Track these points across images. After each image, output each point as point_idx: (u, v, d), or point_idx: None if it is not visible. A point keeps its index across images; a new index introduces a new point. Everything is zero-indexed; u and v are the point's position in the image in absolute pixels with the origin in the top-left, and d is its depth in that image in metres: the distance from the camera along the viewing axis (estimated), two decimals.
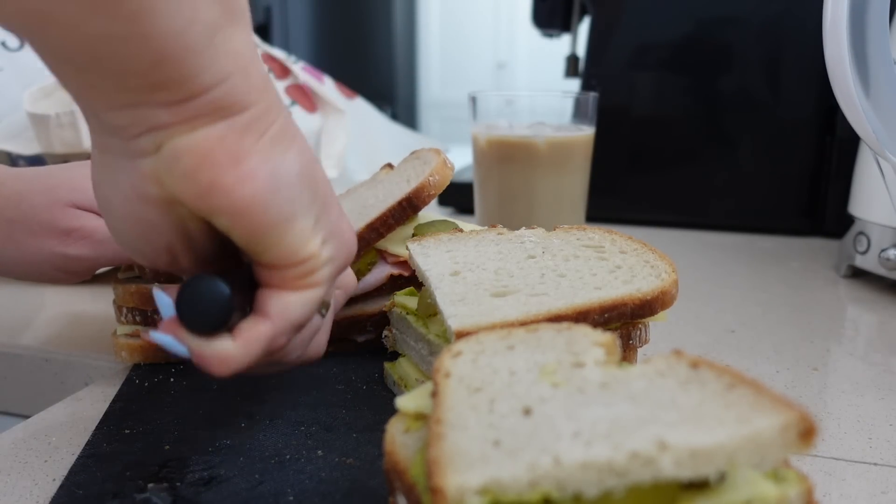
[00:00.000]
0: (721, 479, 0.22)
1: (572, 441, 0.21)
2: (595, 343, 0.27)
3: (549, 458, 0.21)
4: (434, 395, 0.25)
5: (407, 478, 0.25)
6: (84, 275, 0.48)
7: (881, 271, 0.62)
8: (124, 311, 0.45)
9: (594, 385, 0.24)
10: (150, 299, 0.44)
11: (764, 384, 0.23)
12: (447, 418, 0.23)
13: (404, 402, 0.28)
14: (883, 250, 0.61)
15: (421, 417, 0.27)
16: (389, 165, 0.50)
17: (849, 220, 0.67)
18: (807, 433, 0.21)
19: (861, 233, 0.64)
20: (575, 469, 0.20)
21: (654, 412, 0.22)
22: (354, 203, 0.48)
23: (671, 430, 0.21)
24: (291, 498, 0.32)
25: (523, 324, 0.31)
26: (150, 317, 0.45)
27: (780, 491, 0.23)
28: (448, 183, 0.46)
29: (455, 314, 0.33)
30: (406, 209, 0.45)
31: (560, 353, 0.27)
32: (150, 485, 0.32)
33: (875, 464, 0.36)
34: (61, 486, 0.33)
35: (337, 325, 0.45)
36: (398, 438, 0.27)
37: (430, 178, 0.45)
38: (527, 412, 0.23)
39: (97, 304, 0.58)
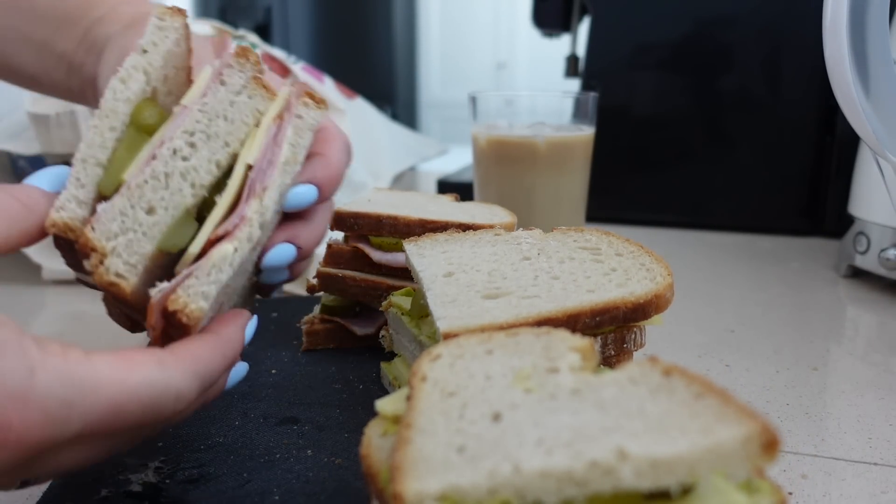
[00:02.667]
0: (688, 490, 0.22)
1: (534, 449, 0.21)
2: (572, 348, 0.27)
3: (509, 466, 0.20)
4: (409, 398, 0.25)
5: (378, 481, 0.25)
6: None
7: (881, 271, 0.62)
8: None
9: (565, 391, 0.24)
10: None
11: (732, 394, 0.23)
12: (416, 423, 0.23)
13: (383, 404, 0.28)
14: (883, 250, 0.61)
15: (399, 421, 0.27)
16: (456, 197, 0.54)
17: (848, 220, 0.67)
18: (769, 445, 0.21)
19: (861, 233, 0.64)
20: (534, 477, 0.20)
21: (620, 420, 0.22)
22: (407, 198, 0.50)
23: (633, 440, 0.21)
24: (277, 497, 0.32)
25: (512, 327, 0.31)
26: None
27: (751, 501, 0.22)
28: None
29: (444, 316, 0.33)
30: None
31: (536, 358, 0.26)
32: (140, 480, 0.33)
33: (875, 463, 0.36)
34: (54, 481, 0.33)
35: (357, 287, 0.46)
36: (375, 441, 0.27)
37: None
38: (496, 418, 0.23)
39: (97, 304, 0.58)
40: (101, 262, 0.29)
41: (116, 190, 0.30)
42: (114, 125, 0.31)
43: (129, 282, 0.29)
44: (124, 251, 0.29)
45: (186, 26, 0.34)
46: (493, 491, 0.20)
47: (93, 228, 0.29)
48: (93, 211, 0.30)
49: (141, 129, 0.32)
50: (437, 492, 0.20)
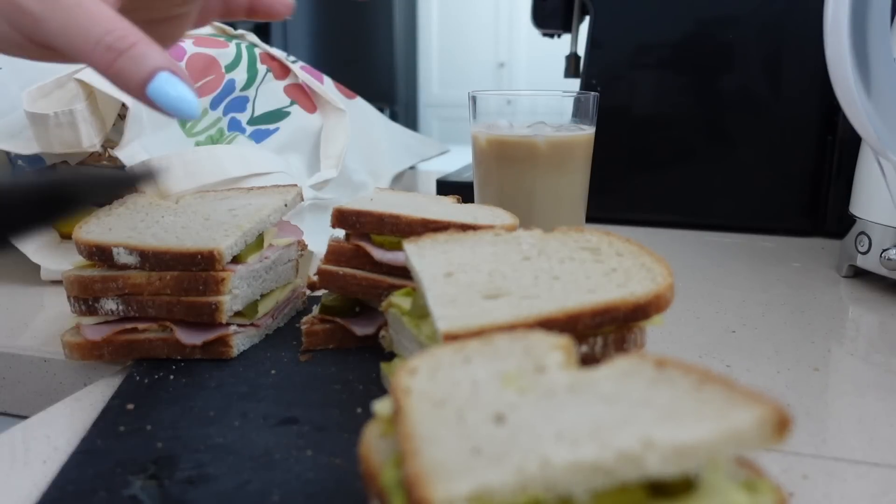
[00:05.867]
0: (690, 488, 0.22)
1: (557, 443, 0.21)
2: (553, 347, 0.27)
3: (537, 461, 0.21)
4: (396, 412, 0.25)
5: (377, 483, 0.25)
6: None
7: (882, 271, 0.62)
8: (71, 300, 0.46)
9: (562, 388, 0.25)
10: (88, 287, 0.45)
11: (733, 380, 0.24)
12: (418, 433, 0.23)
13: (382, 406, 0.28)
14: (884, 250, 0.61)
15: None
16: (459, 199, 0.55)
17: (850, 220, 0.67)
18: (781, 425, 0.22)
19: (862, 233, 0.64)
20: (565, 470, 0.20)
21: (631, 411, 0.23)
22: (409, 199, 0.51)
23: (655, 428, 0.22)
24: (276, 498, 0.31)
25: (513, 327, 0.31)
26: (91, 305, 0.46)
27: (752, 501, 0.23)
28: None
29: (444, 316, 0.33)
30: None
31: (520, 360, 0.27)
32: (139, 482, 0.32)
33: (876, 464, 0.36)
34: (52, 482, 0.33)
35: (358, 285, 0.46)
36: (373, 443, 0.27)
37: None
38: (499, 419, 0.23)
39: None
40: None
41: None
42: None
43: None
44: None
45: None
46: (523, 486, 0.20)
47: None
48: None
49: None
50: (467, 493, 0.20)
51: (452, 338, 0.31)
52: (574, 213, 0.67)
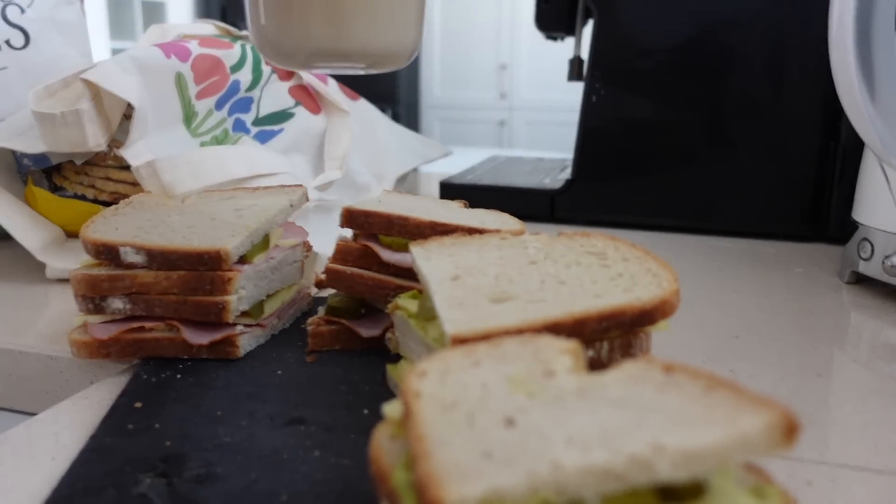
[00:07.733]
0: (699, 493, 0.23)
1: (567, 447, 0.22)
2: (562, 351, 0.28)
3: (548, 465, 0.21)
4: (406, 415, 0.25)
5: (388, 484, 0.25)
6: None
7: (885, 277, 0.62)
8: (79, 299, 0.47)
9: (571, 393, 0.25)
10: (96, 286, 0.46)
11: (741, 384, 0.24)
12: (429, 436, 0.23)
13: (392, 408, 0.28)
14: (887, 256, 0.61)
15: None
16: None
17: (852, 226, 0.67)
18: (790, 430, 0.22)
19: (865, 239, 0.64)
20: (575, 474, 0.21)
21: (641, 416, 0.23)
22: (417, 202, 0.51)
23: (664, 434, 0.22)
24: (285, 498, 0.32)
25: (520, 331, 0.31)
26: (98, 304, 0.46)
27: None
28: None
29: (452, 319, 0.33)
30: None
31: (528, 364, 0.27)
32: (148, 480, 0.33)
33: (880, 471, 0.36)
34: (62, 479, 0.33)
35: (365, 285, 0.47)
36: (384, 445, 0.27)
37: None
38: (509, 423, 0.23)
39: None
40: None
41: None
42: None
43: None
44: None
45: None
46: (534, 490, 0.20)
47: None
48: None
49: None
50: (479, 495, 0.20)
51: (460, 341, 0.31)
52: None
